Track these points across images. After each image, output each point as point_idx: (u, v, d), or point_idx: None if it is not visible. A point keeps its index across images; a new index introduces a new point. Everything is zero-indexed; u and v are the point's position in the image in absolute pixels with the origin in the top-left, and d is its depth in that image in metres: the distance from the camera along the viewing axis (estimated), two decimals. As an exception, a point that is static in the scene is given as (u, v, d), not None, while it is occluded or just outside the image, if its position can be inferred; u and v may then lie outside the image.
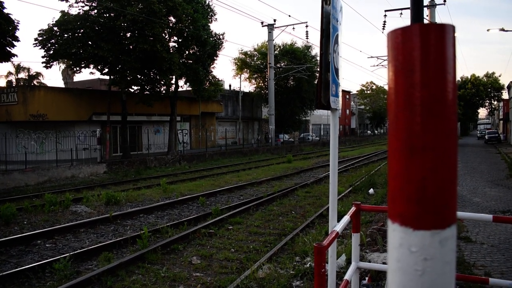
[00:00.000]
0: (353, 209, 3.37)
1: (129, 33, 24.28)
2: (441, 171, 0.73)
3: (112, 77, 25.07)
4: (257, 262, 7.03)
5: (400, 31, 0.74)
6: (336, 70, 3.18)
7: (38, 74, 41.91)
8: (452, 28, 0.72)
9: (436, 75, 0.72)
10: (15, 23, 19.15)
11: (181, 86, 31.02)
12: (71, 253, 7.49)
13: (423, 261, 0.74)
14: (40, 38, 22.80)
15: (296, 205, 12.55)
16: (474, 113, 71.98)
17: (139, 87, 26.67)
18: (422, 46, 0.72)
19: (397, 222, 0.76)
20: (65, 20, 22.54)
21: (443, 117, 0.73)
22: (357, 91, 79.70)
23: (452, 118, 0.73)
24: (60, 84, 44.68)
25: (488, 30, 27.72)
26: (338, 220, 3.05)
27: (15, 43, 19.52)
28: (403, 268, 0.76)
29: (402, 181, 0.75)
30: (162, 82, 26.72)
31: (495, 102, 65.72)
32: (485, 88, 61.00)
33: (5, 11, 18.57)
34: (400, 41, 0.74)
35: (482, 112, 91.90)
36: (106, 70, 25.05)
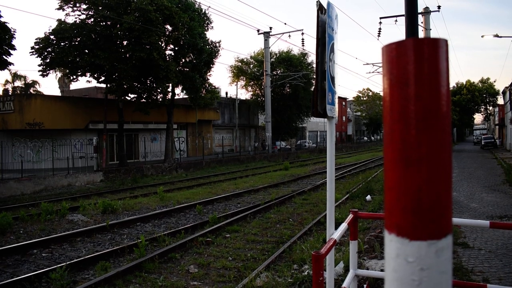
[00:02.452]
0: (350, 216, 3.38)
1: (126, 41, 24.35)
2: (436, 182, 0.75)
3: (108, 85, 25.09)
4: (255, 271, 7.01)
5: (395, 45, 0.75)
6: (332, 79, 3.21)
7: (34, 83, 41.81)
8: (445, 42, 0.74)
9: (430, 88, 0.73)
10: (12, 32, 19.18)
11: (178, 94, 31.10)
12: (67, 263, 7.45)
13: (420, 271, 0.75)
14: (36, 47, 22.81)
15: (294, 213, 12.53)
16: (470, 119, 72.50)
17: (135, 95, 26.71)
18: (416, 60, 0.73)
19: (394, 232, 0.77)
20: (61, 28, 22.59)
21: (437, 129, 0.74)
22: (353, 97, 80.00)
23: (446, 130, 0.75)
24: (57, 92, 44.71)
25: (482, 36, 27.90)
26: (336, 228, 3.05)
27: (11, 51, 19.55)
28: (400, 278, 0.77)
29: (398, 192, 0.76)
30: (159, 90, 26.76)
31: (491, 108, 66.21)
32: (480, 93, 61.50)
33: (2, 19, 18.60)
34: (394, 55, 0.75)
35: (478, 118, 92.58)
36: (103, 78, 25.06)
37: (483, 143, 48.80)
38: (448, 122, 0.75)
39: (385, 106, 0.79)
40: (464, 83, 62.72)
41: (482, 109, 66.50)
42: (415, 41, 0.73)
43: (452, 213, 0.80)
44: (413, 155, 0.74)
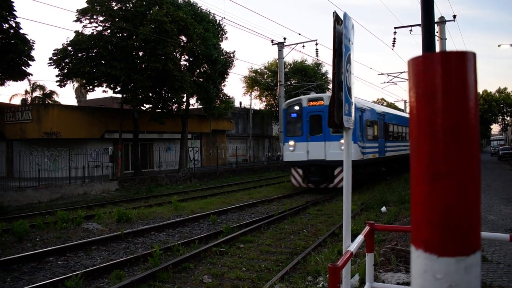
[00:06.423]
0: (367, 228, 3.34)
1: (141, 52, 24.68)
2: (464, 197, 0.73)
3: (124, 95, 25.41)
4: (269, 282, 6.95)
5: (422, 58, 0.75)
6: (349, 89, 3.20)
7: (52, 93, 42.58)
8: (473, 55, 0.73)
9: (458, 102, 0.72)
10: (31, 43, 19.65)
11: (192, 104, 31.33)
12: (82, 271, 7.48)
13: (448, 288, 0.73)
14: (54, 58, 23.29)
15: (308, 224, 12.43)
16: (487, 129, 71.43)
17: (151, 105, 26.99)
18: (444, 73, 0.72)
19: (421, 248, 0.76)
20: (79, 40, 23.04)
21: (466, 143, 0.73)
22: (368, 107, 79.34)
23: (474, 144, 0.73)
24: (73, 102, 45.40)
25: (499, 45, 27.55)
26: (351, 239, 3.02)
27: (30, 62, 19.99)
28: (427, 294, 0.75)
29: (425, 207, 0.75)
30: (174, 100, 27.00)
31: (508, 118, 65.10)
32: (497, 104, 60.57)
33: (21, 31, 19.07)
34: (421, 69, 0.75)
35: (495, 128, 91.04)
36: (119, 88, 25.40)
37: (500, 154, 47.90)
38: (476, 135, 0.74)
39: (411, 119, 0.78)
40: (481, 93, 61.89)
41: (500, 120, 65.47)
42: (443, 54, 0.72)
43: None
44: (441, 169, 0.73)
